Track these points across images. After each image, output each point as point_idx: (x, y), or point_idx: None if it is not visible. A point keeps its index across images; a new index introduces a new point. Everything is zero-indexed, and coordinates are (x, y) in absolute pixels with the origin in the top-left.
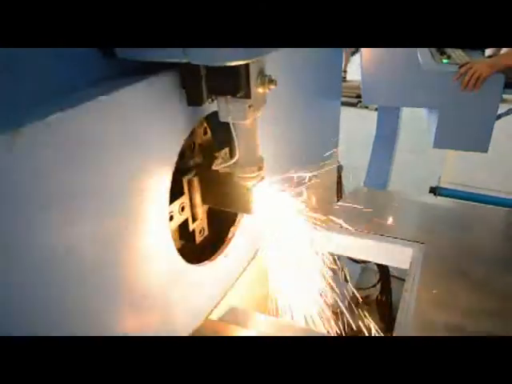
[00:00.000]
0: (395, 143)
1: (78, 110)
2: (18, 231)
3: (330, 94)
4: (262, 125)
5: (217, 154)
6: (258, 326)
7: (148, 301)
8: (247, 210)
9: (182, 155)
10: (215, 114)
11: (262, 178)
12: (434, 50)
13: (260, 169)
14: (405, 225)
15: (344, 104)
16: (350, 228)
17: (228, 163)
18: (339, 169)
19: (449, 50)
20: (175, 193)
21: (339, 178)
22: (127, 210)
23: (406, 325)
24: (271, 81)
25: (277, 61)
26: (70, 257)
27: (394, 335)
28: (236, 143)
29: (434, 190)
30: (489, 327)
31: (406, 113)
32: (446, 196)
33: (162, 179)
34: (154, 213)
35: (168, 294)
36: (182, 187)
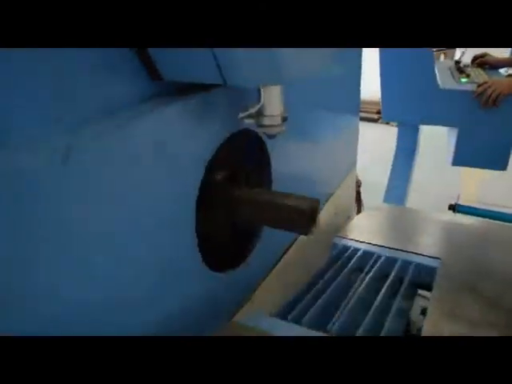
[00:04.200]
0: (414, 160)
1: (132, 125)
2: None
3: (348, 111)
4: (280, 142)
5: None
6: (281, 331)
7: (171, 305)
8: (305, 232)
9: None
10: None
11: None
12: (453, 68)
13: (284, 119)
14: (422, 240)
15: (365, 119)
16: None
17: (252, 110)
18: (358, 184)
19: (468, 69)
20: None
21: (358, 193)
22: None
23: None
24: None
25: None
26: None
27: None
28: (261, 91)
29: (453, 207)
30: (491, 336)
31: (429, 130)
32: (465, 213)
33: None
34: (179, 220)
35: (191, 300)
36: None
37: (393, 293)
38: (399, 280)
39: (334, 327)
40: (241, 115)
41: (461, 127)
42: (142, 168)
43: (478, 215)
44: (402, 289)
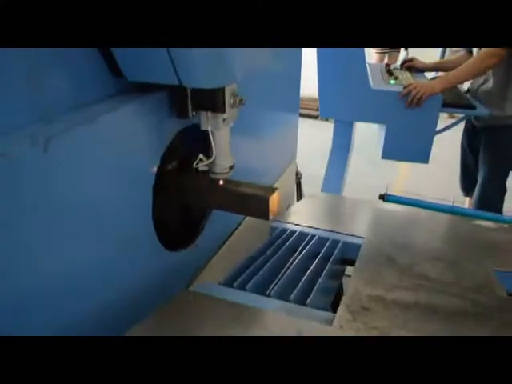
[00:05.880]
0: (349, 153)
1: (97, 120)
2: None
3: (288, 107)
4: None
5: (200, 156)
6: (229, 297)
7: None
8: (264, 217)
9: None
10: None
11: None
12: (384, 71)
13: (231, 168)
14: (351, 223)
15: (306, 116)
16: None
17: (206, 162)
18: (299, 176)
19: (397, 72)
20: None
21: (299, 184)
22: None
23: (344, 298)
24: (241, 100)
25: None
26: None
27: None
28: (213, 147)
29: (383, 197)
30: (403, 296)
31: (366, 128)
32: (393, 202)
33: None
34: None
35: (149, 273)
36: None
37: (324, 265)
38: (329, 256)
39: (273, 292)
40: (195, 165)
41: (388, 124)
42: (106, 157)
43: (404, 204)
44: (331, 259)
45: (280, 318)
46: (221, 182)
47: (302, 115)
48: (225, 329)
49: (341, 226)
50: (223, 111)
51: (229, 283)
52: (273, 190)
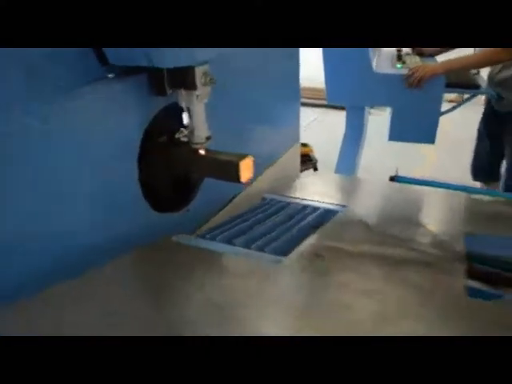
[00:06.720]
0: (362, 137)
1: (87, 96)
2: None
3: (286, 95)
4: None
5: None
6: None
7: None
8: (236, 180)
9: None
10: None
11: None
12: (394, 56)
13: (208, 139)
14: (341, 196)
15: (335, 108)
16: None
17: (185, 133)
18: (314, 161)
19: (406, 57)
20: None
21: (315, 169)
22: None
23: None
24: (211, 79)
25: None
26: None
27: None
28: (190, 120)
29: (393, 178)
30: (360, 248)
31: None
32: (402, 182)
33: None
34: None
35: (135, 231)
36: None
37: (296, 224)
38: (304, 218)
39: (238, 242)
40: (177, 135)
41: (394, 107)
42: (95, 129)
43: (415, 184)
44: (305, 220)
45: (234, 260)
46: (200, 152)
47: (326, 106)
48: (185, 268)
49: (329, 199)
50: (194, 88)
51: (203, 236)
52: (245, 156)
